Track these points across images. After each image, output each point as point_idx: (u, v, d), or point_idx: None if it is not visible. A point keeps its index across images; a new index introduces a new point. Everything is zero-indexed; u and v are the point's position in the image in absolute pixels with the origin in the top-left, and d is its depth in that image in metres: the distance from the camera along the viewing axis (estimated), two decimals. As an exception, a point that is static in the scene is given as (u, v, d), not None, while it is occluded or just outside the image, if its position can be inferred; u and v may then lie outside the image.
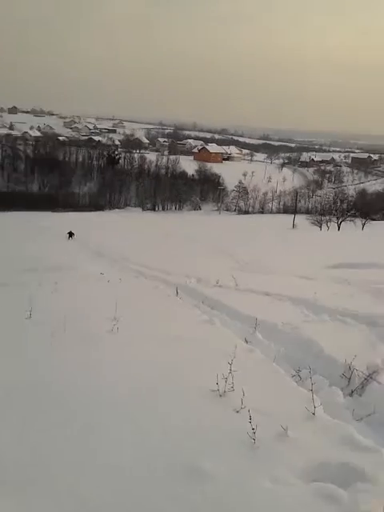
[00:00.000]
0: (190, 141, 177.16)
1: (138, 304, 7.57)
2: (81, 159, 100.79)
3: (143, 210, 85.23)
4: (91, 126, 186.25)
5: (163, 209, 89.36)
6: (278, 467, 2.93)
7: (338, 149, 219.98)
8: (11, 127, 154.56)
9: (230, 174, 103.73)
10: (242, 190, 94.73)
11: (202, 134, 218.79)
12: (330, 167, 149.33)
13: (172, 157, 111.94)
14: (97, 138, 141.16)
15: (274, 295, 9.01)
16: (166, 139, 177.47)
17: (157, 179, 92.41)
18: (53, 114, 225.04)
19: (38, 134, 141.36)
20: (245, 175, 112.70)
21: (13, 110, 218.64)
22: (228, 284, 10.20)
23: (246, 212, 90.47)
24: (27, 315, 6.11)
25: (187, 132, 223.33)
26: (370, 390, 4.42)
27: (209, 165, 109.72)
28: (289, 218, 55.82)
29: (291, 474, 2.86)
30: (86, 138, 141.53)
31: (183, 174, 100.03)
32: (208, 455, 3.03)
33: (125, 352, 5.03)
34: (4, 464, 2.94)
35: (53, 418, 3.52)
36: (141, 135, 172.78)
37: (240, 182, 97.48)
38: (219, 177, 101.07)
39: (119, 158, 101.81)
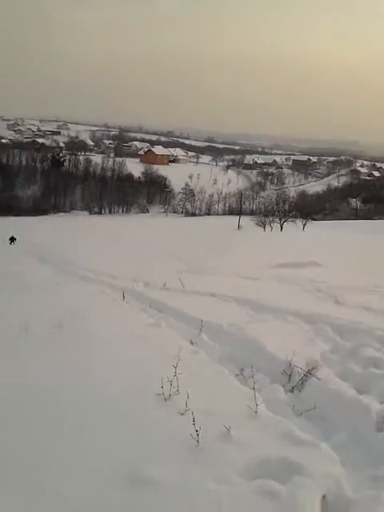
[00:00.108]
0: (135, 143, 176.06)
1: (83, 309, 7.45)
2: (24, 162, 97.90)
3: (90, 213, 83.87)
4: (35, 128, 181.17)
5: (110, 212, 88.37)
6: (221, 467, 2.98)
7: (279, 151, 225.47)
8: None
9: (176, 176, 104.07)
10: (189, 192, 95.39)
11: (147, 136, 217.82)
12: (272, 169, 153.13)
13: (118, 159, 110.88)
14: (41, 141, 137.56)
15: (220, 296, 9.13)
16: (111, 141, 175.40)
17: (103, 182, 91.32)
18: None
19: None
20: (191, 177, 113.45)
21: None
22: (175, 286, 10.24)
23: (193, 214, 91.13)
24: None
25: (133, 134, 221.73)
26: (310, 386, 4.57)
27: (155, 167, 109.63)
28: (234, 219, 56.71)
29: (234, 473, 2.91)
30: (30, 140, 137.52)
31: (130, 176, 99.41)
32: (152, 460, 3.03)
33: (68, 358, 4.94)
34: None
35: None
36: (86, 137, 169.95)
37: (186, 184, 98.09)
38: (166, 179, 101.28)
39: (64, 161, 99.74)
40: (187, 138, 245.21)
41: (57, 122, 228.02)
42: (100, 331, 6.03)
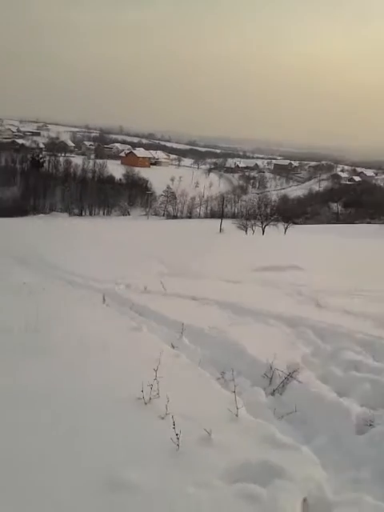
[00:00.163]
0: (117, 145, 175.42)
1: (62, 313, 7.36)
2: (3, 163, 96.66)
3: (70, 215, 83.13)
4: (14, 129, 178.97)
5: (90, 214, 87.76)
6: (201, 471, 2.97)
7: (261, 155, 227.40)
8: None
9: (157, 178, 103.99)
10: (170, 195, 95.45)
11: (129, 138, 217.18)
12: (254, 173, 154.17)
13: (99, 161, 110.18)
14: (20, 141, 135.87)
15: (201, 299, 9.13)
16: (92, 143, 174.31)
17: (83, 183, 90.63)
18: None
19: None
20: (173, 180, 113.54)
21: None
22: (156, 289, 10.21)
23: (175, 217, 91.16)
24: None
25: (114, 136, 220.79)
26: (291, 389, 4.60)
27: (137, 169, 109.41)
28: (216, 222, 56.92)
29: (214, 477, 2.90)
30: (9, 140, 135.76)
31: (111, 178, 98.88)
32: (132, 464, 3.01)
33: (45, 363, 4.87)
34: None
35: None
36: (66, 138, 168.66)
37: (168, 187, 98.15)
38: (147, 181, 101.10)
39: (44, 162, 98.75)
40: (169, 141, 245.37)
41: (37, 122, 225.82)
42: (79, 335, 5.96)
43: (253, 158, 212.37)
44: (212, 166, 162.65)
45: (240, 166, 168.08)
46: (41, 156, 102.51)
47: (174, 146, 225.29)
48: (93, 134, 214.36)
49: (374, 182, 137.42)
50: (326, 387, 4.59)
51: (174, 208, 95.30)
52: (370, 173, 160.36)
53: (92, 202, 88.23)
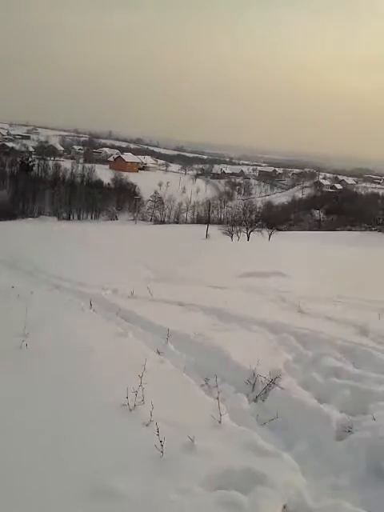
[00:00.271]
0: (105, 149, 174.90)
1: (49, 318, 7.30)
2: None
3: (58, 219, 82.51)
4: (4, 132, 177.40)
5: (79, 218, 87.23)
6: (184, 478, 2.97)
7: (247, 162, 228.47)
8: None
9: (145, 183, 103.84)
10: (158, 200, 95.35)
11: (117, 143, 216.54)
12: (239, 179, 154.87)
13: (87, 165, 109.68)
14: (10, 145, 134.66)
15: (187, 305, 9.12)
16: (81, 147, 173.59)
17: (72, 187, 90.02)
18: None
19: None
20: (160, 185, 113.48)
21: None
22: (143, 295, 10.18)
23: (162, 222, 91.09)
24: None
25: (103, 140, 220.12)
26: (273, 395, 4.62)
27: (125, 174, 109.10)
28: (202, 228, 57.03)
29: (196, 484, 2.90)
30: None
31: (99, 182, 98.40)
32: (116, 471, 3.00)
33: (34, 369, 4.83)
34: None
35: None
36: (55, 142, 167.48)
37: (156, 192, 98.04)
38: (135, 186, 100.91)
39: (33, 165, 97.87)
40: (157, 146, 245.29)
41: (26, 126, 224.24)
42: (66, 340, 5.93)
43: (239, 164, 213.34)
44: (199, 172, 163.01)
45: (226, 172, 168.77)
46: (30, 160, 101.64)
47: (162, 151, 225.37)
48: (82, 139, 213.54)
49: (354, 189, 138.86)
50: (307, 393, 4.63)
51: (161, 213, 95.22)
52: (350, 181, 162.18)
53: (80, 206, 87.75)
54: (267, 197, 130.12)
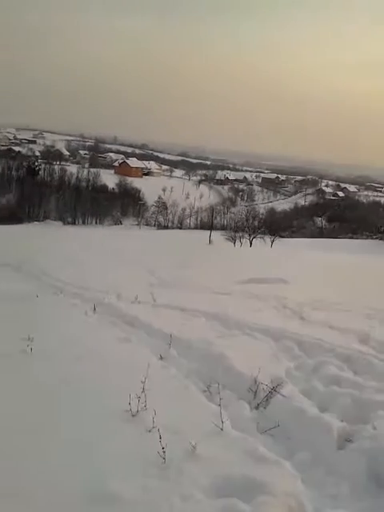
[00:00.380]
0: (111, 154, 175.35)
1: (54, 322, 7.33)
2: (0, 170, 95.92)
3: (64, 223, 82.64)
4: (11, 137, 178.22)
5: (84, 222, 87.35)
6: (186, 485, 2.97)
7: (250, 168, 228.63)
8: None
9: (149, 189, 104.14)
10: (162, 206, 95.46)
11: (122, 148, 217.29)
12: (242, 186, 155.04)
13: (93, 170, 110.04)
14: (17, 149, 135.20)
15: (190, 311, 9.12)
16: (86, 152, 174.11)
17: (77, 192, 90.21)
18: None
19: None
20: (164, 191, 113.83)
21: None
22: (146, 300, 10.19)
23: (166, 227, 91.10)
24: None
25: (108, 145, 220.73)
26: (274, 403, 4.60)
27: (129, 179, 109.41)
28: (205, 233, 56.95)
29: (198, 491, 2.91)
30: (6, 148, 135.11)
31: (104, 187, 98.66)
32: (118, 477, 3.01)
33: (38, 374, 4.85)
34: None
35: None
36: (61, 147, 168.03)
37: (159, 198, 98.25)
38: (139, 191, 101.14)
39: (39, 170, 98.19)
40: (161, 152, 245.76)
41: (33, 130, 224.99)
42: (71, 345, 5.94)
43: (242, 170, 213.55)
44: (202, 178, 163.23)
45: (230, 178, 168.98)
46: (36, 164, 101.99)
47: (166, 156, 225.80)
48: (88, 143, 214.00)
49: (356, 197, 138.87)
50: (308, 402, 4.61)
51: (164, 218, 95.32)
52: (352, 188, 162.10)
53: (85, 210, 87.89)
54: (270, 203, 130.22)
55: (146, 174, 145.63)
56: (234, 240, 53.04)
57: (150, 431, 3.63)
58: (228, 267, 21.22)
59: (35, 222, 77.55)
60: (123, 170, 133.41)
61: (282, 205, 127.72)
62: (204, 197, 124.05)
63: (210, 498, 2.87)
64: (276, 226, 64.07)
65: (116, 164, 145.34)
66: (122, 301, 10.34)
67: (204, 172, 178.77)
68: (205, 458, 3.31)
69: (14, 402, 4.08)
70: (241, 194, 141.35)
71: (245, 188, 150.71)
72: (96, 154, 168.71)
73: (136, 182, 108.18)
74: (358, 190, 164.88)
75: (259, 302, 11.00)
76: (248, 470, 3.16)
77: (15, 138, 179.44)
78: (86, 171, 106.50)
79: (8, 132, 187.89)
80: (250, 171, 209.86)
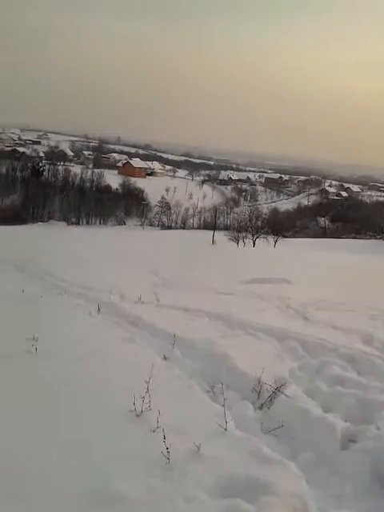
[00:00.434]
0: (114, 155, 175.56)
1: (58, 322, 7.34)
2: (4, 171, 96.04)
3: (68, 223, 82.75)
4: (16, 137, 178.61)
5: (88, 223, 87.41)
6: (190, 485, 2.97)
7: (253, 169, 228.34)
8: None
9: (153, 189, 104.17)
10: (165, 206, 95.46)
11: (126, 149, 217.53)
12: (246, 186, 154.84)
13: (97, 170, 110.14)
14: (21, 150, 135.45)
15: (193, 311, 9.12)
16: (90, 152, 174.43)
17: (81, 193, 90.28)
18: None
19: None
20: (167, 191, 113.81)
21: None
22: (150, 300, 10.19)
23: (169, 227, 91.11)
24: None
25: (112, 146, 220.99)
26: (278, 403, 4.59)
27: (133, 179, 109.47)
28: (209, 233, 56.94)
29: (202, 492, 2.90)
30: (10, 149, 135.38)
31: (108, 187, 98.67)
32: (123, 477, 3.00)
33: (43, 373, 4.86)
34: None
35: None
36: (65, 147, 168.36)
37: (163, 198, 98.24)
38: (143, 192, 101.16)
39: (43, 170, 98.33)
40: (165, 152, 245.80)
41: (37, 131, 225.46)
42: (75, 345, 5.95)
43: (245, 170, 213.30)
44: (206, 178, 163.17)
45: (233, 178, 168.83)
46: (41, 165, 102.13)
47: (170, 157, 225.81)
48: (91, 144, 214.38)
49: (360, 197, 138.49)
50: (312, 402, 4.61)
51: (168, 218, 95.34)
52: (356, 188, 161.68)
53: (89, 211, 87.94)
54: (273, 203, 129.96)
55: (150, 175, 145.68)
56: (237, 240, 52.97)
57: (154, 431, 3.63)
58: (231, 267, 21.20)
59: (39, 223, 77.67)
60: (127, 170, 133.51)
61: (285, 205, 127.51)
62: (207, 197, 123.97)
63: (214, 498, 2.86)
64: (279, 226, 63.96)
65: (119, 164, 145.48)
66: (126, 301, 10.35)
67: (207, 172, 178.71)
68: (209, 459, 3.30)
69: (19, 402, 4.09)
70: (244, 194, 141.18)
71: (248, 188, 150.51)
72: (100, 154, 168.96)
73: (139, 183, 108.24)
74: (362, 189, 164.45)
75: (262, 302, 10.99)
76: (252, 471, 3.15)
77: (20, 138, 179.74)
78: (89, 172, 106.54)
79: (12, 133, 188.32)
80: (253, 171, 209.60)
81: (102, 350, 5.90)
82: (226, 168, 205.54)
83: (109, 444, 3.47)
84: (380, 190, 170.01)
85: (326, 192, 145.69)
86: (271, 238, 54.31)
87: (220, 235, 53.39)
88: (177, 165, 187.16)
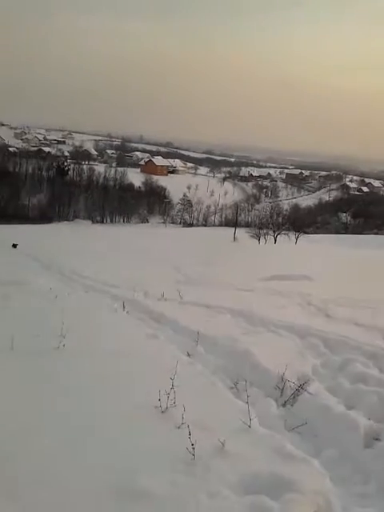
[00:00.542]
0: (137, 153, 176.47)
1: (85, 319, 7.44)
2: (30, 170, 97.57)
3: (92, 222, 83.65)
4: (41, 137, 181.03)
5: (111, 221, 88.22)
6: (215, 482, 2.97)
7: (273, 165, 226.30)
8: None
9: (175, 187, 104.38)
10: (187, 203, 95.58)
11: (148, 147, 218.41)
12: (266, 182, 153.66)
13: (120, 169, 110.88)
14: (47, 149, 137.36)
15: (215, 308, 9.13)
16: (114, 151, 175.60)
17: (105, 191, 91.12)
18: (3, 125, 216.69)
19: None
20: (189, 188, 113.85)
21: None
22: (173, 297, 10.24)
23: (191, 225, 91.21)
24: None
25: (134, 144, 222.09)
26: (302, 401, 4.56)
27: (155, 177, 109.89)
28: (230, 230, 56.79)
29: (226, 488, 2.90)
30: (36, 148, 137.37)
31: (131, 186, 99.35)
32: (148, 473, 3.02)
33: (70, 370, 4.94)
34: None
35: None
36: (89, 147, 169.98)
37: (185, 195, 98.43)
38: (165, 189, 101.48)
39: (68, 170, 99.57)
40: (186, 150, 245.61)
41: (62, 131, 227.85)
42: (101, 342, 6.03)
43: (266, 167, 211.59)
44: (227, 175, 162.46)
45: (253, 174, 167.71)
46: (66, 164, 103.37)
47: (191, 154, 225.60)
48: (114, 143, 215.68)
49: (381, 192, 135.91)
50: (334, 399, 4.56)
51: (190, 216, 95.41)
52: (377, 184, 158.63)
53: (113, 209, 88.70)
54: (294, 199, 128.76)
55: (171, 172, 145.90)
56: (258, 237, 52.71)
57: (178, 427, 3.63)
58: (252, 264, 21.11)
59: (65, 222, 78.74)
60: (149, 168, 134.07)
61: (306, 201, 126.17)
62: (228, 194, 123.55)
63: (238, 494, 2.86)
64: (300, 223, 63.37)
65: (142, 163, 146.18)
66: (150, 298, 10.43)
67: (228, 169, 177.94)
68: (233, 455, 3.30)
69: (47, 399, 4.15)
70: (265, 190, 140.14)
71: (269, 184, 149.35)
72: (123, 153, 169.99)
73: (161, 180, 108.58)
74: (383, 185, 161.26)
75: (283, 298, 10.92)
76: (276, 468, 3.14)
77: (45, 138, 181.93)
78: (113, 170, 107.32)
79: (38, 133, 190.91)
80: (274, 167, 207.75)
81: (127, 347, 5.97)
82: (246, 164, 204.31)
83: (135, 440, 3.50)
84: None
85: (347, 187, 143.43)
86: (292, 235, 53.83)
87: (241, 232, 53.20)
88: (198, 162, 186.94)
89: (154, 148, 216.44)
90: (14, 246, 32.14)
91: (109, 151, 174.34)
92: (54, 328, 5.83)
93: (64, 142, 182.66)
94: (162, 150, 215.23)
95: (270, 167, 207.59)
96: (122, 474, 3.01)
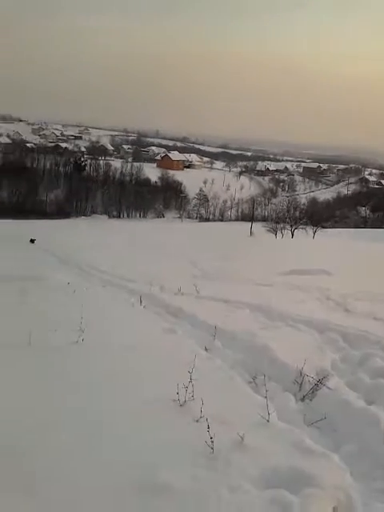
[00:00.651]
0: (153, 148, 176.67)
1: (103, 314, 7.50)
2: (48, 166, 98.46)
3: (109, 217, 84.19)
4: (58, 133, 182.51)
5: (128, 216, 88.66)
6: (234, 475, 2.97)
7: (290, 158, 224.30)
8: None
9: (191, 181, 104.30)
10: (203, 198, 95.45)
11: (164, 142, 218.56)
12: (283, 176, 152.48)
13: (136, 164, 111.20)
14: (64, 145, 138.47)
15: (233, 303, 9.11)
16: (130, 146, 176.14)
17: (121, 186, 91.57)
18: (21, 121, 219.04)
19: (7, 140, 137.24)
20: (205, 183, 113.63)
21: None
22: (190, 292, 10.25)
23: (207, 219, 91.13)
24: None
25: (150, 139, 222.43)
26: (321, 395, 4.53)
27: (171, 172, 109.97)
28: (247, 225, 56.55)
29: (247, 482, 2.90)
30: (53, 144, 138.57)
31: (147, 181, 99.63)
32: (168, 466, 3.03)
33: (89, 364, 4.99)
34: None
35: None
36: (106, 142, 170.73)
37: (201, 190, 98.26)
38: (181, 184, 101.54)
39: (85, 165, 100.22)
40: (202, 144, 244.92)
41: (79, 126, 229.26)
42: (119, 336, 6.08)
43: (282, 160, 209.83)
44: (243, 169, 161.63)
45: (270, 168, 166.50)
46: (83, 159, 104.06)
47: (207, 149, 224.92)
48: (130, 138, 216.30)
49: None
50: (354, 394, 4.52)
51: (206, 211, 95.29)
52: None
53: (130, 204, 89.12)
54: (311, 193, 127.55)
55: (188, 167, 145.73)
56: (275, 231, 52.37)
57: (197, 421, 3.64)
58: (270, 259, 21.00)
59: (82, 217, 79.37)
60: (165, 163, 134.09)
61: (324, 194, 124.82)
62: (245, 188, 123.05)
63: (259, 488, 2.85)
64: (318, 217, 62.65)
65: (158, 157, 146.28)
66: (166, 292, 10.46)
67: (244, 163, 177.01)
68: (252, 449, 3.29)
69: (65, 394, 4.18)
70: (281, 184, 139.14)
71: (286, 178, 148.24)
72: (139, 148, 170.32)
73: (177, 175, 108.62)
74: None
75: (302, 293, 10.84)
76: (295, 462, 3.13)
77: (62, 134, 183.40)
78: (129, 165, 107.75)
79: (55, 128, 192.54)
80: (291, 161, 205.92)
81: (145, 341, 6.00)
82: (263, 158, 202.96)
83: (154, 433, 3.51)
84: None
85: (366, 181, 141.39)
86: (310, 229, 53.33)
87: (258, 226, 52.95)
88: (214, 157, 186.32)
89: (170, 143, 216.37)
90: (32, 241, 32.70)
91: (125, 146, 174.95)
92: (73, 323, 5.90)
93: (81, 138, 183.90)
94: (178, 144, 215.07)
95: (287, 161, 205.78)
96: (142, 468, 3.01)
